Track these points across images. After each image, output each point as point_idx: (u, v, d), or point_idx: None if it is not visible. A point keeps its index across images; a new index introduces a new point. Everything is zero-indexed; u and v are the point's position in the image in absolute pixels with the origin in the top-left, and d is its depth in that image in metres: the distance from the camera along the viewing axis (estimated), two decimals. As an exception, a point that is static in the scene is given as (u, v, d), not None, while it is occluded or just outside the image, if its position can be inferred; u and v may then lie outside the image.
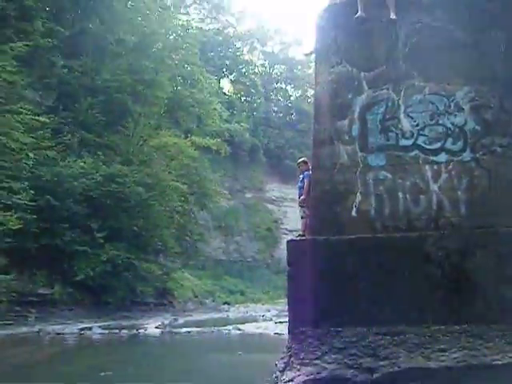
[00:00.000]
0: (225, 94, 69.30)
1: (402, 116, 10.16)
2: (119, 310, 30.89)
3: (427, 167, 9.90)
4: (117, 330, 24.54)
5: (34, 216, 26.17)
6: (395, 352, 8.95)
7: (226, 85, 73.92)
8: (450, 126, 9.97)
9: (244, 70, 75.42)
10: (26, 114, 27.14)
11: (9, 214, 24.13)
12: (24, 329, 23.51)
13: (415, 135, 10.05)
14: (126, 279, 31.16)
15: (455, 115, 10.01)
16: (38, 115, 28.40)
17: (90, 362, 16.35)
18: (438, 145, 9.95)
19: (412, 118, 10.11)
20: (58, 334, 23.01)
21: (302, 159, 12.28)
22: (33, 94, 33.43)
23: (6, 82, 26.32)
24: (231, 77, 75.01)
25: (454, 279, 9.23)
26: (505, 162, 9.80)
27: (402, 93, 10.20)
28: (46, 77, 33.68)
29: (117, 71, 36.05)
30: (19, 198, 25.32)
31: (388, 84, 10.31)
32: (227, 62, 73.53)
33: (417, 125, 10.08)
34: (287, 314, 10.10)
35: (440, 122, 10.01)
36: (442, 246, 9.32)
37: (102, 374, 13.28)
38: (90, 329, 24.71)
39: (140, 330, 24.94)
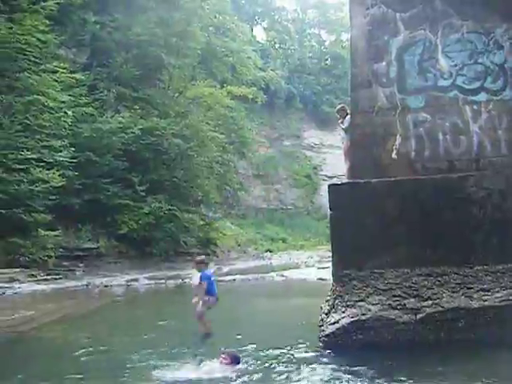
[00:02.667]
0: (258, 41, 68.64)
1: (439, 56, 10.04)
2: (164, 261, 31.42)
3: (467, 107, 9.81)
4: (163, 281, 25.03)
5: (76, 172, 26.63)
6: (438, 292, 9.02)
7: (258, 33, 73.29)
8: (489, 64, 9.83)
9: (276, 17, 74.53)
10: (62, 72, 27.38)
11: (51, 171, 24.58)
12: (73, 282, 24.06)
13: (454, 75, 9.94)
14: (168, 230, 31.61)
15: (494, 53, 9.85)
16: (74, 73, 28.63)
17: (140, 310, 16.81)
18: (478, 84, 9.83)
19: (450, 57, 9.98)
20: (106, 286, 23.57)
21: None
22: (66, 52, 33.62)
23: (39, 41, 26.48)
24: (264, 24, 74.21)
25: (495, 219, 9.22)
26: (546, 100, 9.66)
27: (440, 32, 10.05)
28: (78, 34, 33.78)
29: (148, 24, 35.88)
30: (60, 156, 25.75)
31: (425, 24, 10.16)
32: (259, 10, 72.66)
33: (455, 65, 9.95)
34: (330, 258, 10.20)
35: (479, 60, 9.87)
36: (483, 186, 9.28)
37: (152, 322, 13.64)
38: (136, 280, 25.23)
39: (185, 280, 25.36)
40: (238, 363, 8.55)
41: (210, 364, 8.72)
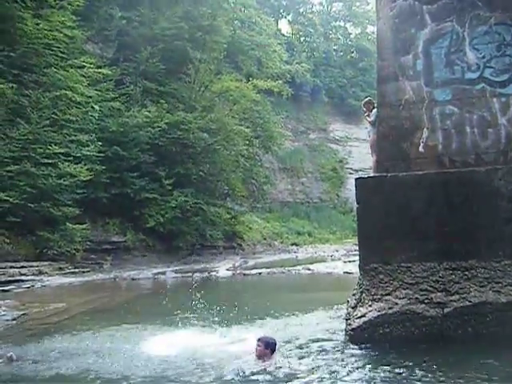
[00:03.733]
0: (283, 35, 68.42)
1: (467, 48, 9.94)
2: (190, 255, 31.66)
3: (495, 100, 9.71)
4: (189, 274, 25.17)
5: (103, 167, 26.95)
6: (466, 287, 8.97)
7: (284, 26, 72.98)
8: (517, 56, 9.72)
9: (302, 10, 74.14)
10: (89, 67, 27.64)
11: (79, 165, 24.86)
12: (100, 275, 24.32)
13: (481, 68, 9.83)
14: (195, 224, 31.78)
15: (523, 45, 9.74)
16: (100, 67, 28.87)
17: (168, 303, 16.91)
18: (506, 76, 9.72)
19: (478, 50, 9.87)
20: (133, 279, 23.76)
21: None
22: (93, 47, 33.94)
23: (66, 37, 26.81)
24: (289, 17, 73.89)
25: (524, 213, 9.13)
26: None
27: (467, 24, 9.95)
28: (105, 29, 34.08)
29: (174, 19, 36.00)
30: (88, 150, 26.05)
31: (452, 16, 10.06)
32: (284, 3, 72.37)
33: (483, 57, 9.84)
34: (357, 252, 10.18)
35: (507, 52, 9.74)
36: (511, 179, 9.19)
37: (181, 313, 13.71)
38: (163, 273, 25.41)
39: (212, 273, 25.51)
40: (274, 350, 8.50)
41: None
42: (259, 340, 8.60)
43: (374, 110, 11.50)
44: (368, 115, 12.16)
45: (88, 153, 25.96)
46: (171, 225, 30.48)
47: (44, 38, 25.55)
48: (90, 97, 27.10)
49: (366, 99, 12.57)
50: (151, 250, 30.61)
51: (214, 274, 25.51)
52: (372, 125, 11.81)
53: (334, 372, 7.89)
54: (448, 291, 8.97)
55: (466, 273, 9.03)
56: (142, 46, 34.64)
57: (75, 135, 25.73)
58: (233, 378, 7.86)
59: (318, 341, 9.69)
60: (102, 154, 26.85)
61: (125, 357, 9.29)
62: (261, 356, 8.44)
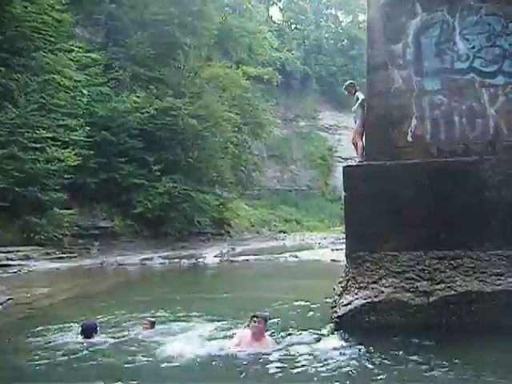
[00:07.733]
0: (274, 22, 68.23)
1: (457, 38, 9.93)
2: (178, 241, 31.61)
3: (484, 90, 9.72)
4: (177, 260, 25.19)
5: (92, 151, 26.83)
6: (451, 276, 9.00)
7: (275, 13, 72.69)
8: (507, 47, 9.71)
9: (293, -3, 73.93)
10: (78, 51, 27.47)
11: (67, 150, 24.74)
12: (88, 261, 24.27)
13: (471, 58, 9.84)
14: (183, 210, 31.72)
15: (513, 36, 9.74)
16: (89, 52, 28.69)
17: (155, 289, 16.94)
18: (495, 67, 9.73)
19: (468, 40, 9.87)
20: (121, 264, 23.75)
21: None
22: (82, 31, 33.72)
23: (55, 20, 26.61)
24: (280, 4, 73.61)
25: (510, 204, 9.15)
26: None
27: (458, 14, 9.94)
28: (94, 13, 33.83)
29: (164, 4, 35.80)
30: (76, 135, 25.91)
31: (443, 6, 10.05)
32: (275, -11, 72.15)
33: (473, 47, 9.84)
34: (344, 239, 10.20)
35: (497, 43, 9.75)
36: (499, 170, 9.20)
37: (165, 300, 13.72)
38: (150, 259, 25.41)
39: (199, 260, 25.53)
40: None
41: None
42: (256, 317, 8.59)
43: (357, 93, 11.36)
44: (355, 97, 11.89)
45: (76, 137, 25.83)
46: (159, 211, 30.42)
47: (32, 21, 25.35)
48: (79, 81, 26.95)
49: (347, 82, 12.39)
50: (139, 235, 30.57)
51: (201, 260, 25.54)
52: (361, 108, 11.56)
53: (316, 359, 7.93)
54: (434, 280, 9.00)
55: (452, 262, 9.07)
56: (132, 31, 34.46)
57: (63, 120, 25.59)
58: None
59: (303, 328, 9.71)
60: (90, 139, 26.72)
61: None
62: (258, 333, 8.49)
